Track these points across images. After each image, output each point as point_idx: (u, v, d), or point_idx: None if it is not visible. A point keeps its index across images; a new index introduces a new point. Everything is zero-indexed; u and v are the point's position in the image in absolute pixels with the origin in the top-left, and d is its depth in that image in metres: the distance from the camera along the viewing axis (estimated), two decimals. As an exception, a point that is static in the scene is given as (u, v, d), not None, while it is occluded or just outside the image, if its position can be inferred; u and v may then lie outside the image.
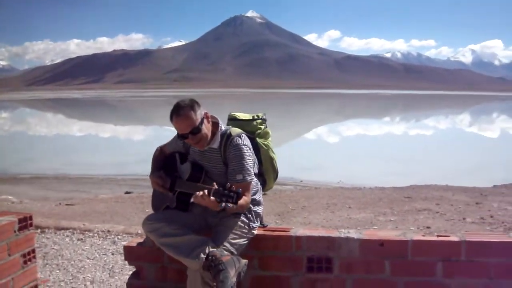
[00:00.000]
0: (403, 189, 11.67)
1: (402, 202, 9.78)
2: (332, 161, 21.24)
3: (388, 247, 2.92)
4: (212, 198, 2.60)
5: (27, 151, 24.87)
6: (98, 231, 5.82)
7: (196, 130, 2.91)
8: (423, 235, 2.97)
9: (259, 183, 3.20)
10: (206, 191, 2.64)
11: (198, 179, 2.97)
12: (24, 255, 3.59)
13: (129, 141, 28.19)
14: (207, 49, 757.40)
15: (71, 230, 5.88)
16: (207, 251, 2.75)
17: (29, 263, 3.64)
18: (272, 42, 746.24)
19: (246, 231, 2.98)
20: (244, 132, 3.11)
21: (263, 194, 3.37)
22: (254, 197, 3.09)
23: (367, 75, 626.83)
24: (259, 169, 3.22)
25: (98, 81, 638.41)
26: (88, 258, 4.85)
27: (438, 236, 2.95)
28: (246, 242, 2.99)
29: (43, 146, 28.15)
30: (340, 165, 19.90)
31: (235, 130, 3.07)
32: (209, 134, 3.01)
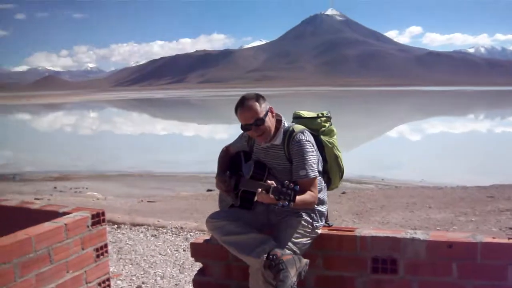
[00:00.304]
0: (486, 188, 11.22)
1: (484, 202, 9.38)
2: (414, 159, 20.83)
3: (456, 249, 2.83)
4: (271, 195, 2.63)
5: (114, 150, 26.14)
6: (171, 228, 6.01)
7: (260, 122, 2.95)
8: (494, 237, 2.84)
9: (323, 182, 3.18)
10: (265, 188, 2.67)
11: (261, 177, 2.99)
12: (96, 249, 3.78)
13: (212, 140, 28.55)
14: (287, 48, 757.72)
15: (145, 226, 6.12)
16: (268, 250, 2.77)
17: (101, 257, 3.83)
18: (352, 39, 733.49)
19: (310, 230, 2.98)
20: (307, 129, 3.11)
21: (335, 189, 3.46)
22: (318, 195, 3.06)
23: (450, 71, 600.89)
24: (324, 167, 3.21)
25: (181, 81, 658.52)
26: (160, 254, 5.03)
27: (509, 239, 2.82)
28: (310, 241, 3.00)
29: (129, 144, 29.46)
30: (422, 163, 19.49)
31: (298, 127, 3.08)
32: (273, 129, 3.05)
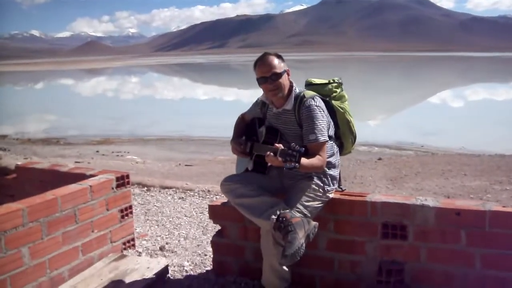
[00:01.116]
0: (525, 157, 10.93)
1: (521, 171, 9.19)
2: (455, 126, 20.40)
3: (464, 216, 2.83)
4: (279, 158, 2.69)
5: (154, 114, 26.52)
6: (199, 191, 6.15)
7: (276, 77, 3.02)
8: (504, 206, 2.83)
9: (335, 146, 3.21)
10: (272, 151, 2.74)
11: (273, 142, 3.03)
12: (121, 210, 3.96)
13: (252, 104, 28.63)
14: (328, 12, 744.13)
15: (174, 189, 6.27)
16: (278, 212, 2.86)
17: (126, 218, 4.02)
18: (395, 4, 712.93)
19: (321, 194, 3.03)
20: (318, 95, 3.14)
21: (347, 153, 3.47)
22: (330, 159, 3.11)
23: (494, 37, 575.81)
24: (336, 132, 3.25)
25: (222, 46, 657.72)
26: (185, 216, 5.18)
27: (520, 207, 2.80)
28: (321, 205, 3.06)
29: (170, 109, 29.83)
30: (463, 131, 19.13)
31: (309, 93, 3.12)
32: (286, 90, 3.10)
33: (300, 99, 3.07)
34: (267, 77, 3.02)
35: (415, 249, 2.98)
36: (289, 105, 3.10)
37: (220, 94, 40.09)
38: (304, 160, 2.75)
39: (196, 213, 5.24)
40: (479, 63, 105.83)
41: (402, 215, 2.97)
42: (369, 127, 21.06)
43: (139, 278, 3.39)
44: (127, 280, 3.37)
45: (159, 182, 6.54)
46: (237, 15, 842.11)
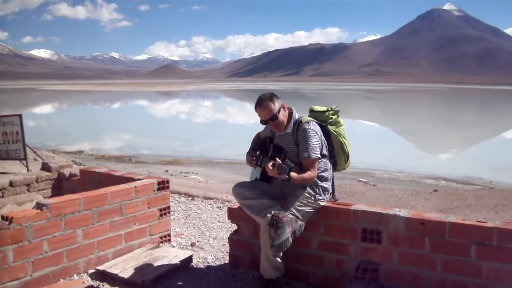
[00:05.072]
0: None
1: None
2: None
3: (428, 226, 3.38)
4: (275, 170, 3.44)
5: (225, 138, 27.19)
6: (235, 202, 6.90)
7: (274, 118, 3.77)
8: (463, 220, 3.35)
9: (328, 163, 3.89)
10: (270, 164, 3.48)
11: (277, 157, 3.71)
12: (160, 210, 4.79)
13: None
14: (402, 43, 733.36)
15: (215, 199, 7.10)
16: (273, 212, 3.58)
17: (164, 216, 4.84)
18: (470, 36, 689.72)
19: (312, 201, 3.71)
20: (314, 120, 3.85)
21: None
22: (323, 174, 3.80)
23: None
24: (331, 151, 3.92)
25: (295, 74, 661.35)
26: (219, 221, 5.95)
27: (477, 221, 3.30)
28: (312, 210, 3.73)
29: (241, 133, 30.42)
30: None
31: (306, 118, 3.84)
32: (285, 121, 3.84)
33: (298, 123, 3.79)
34: (268, 119, 3.79)
35: (388, 252, 3.55)
36: (289, 129, 3.85)
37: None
38: (294, 174, 3.51)
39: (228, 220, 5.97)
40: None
41: (378, 222, 3.57)
42: (439, 160, 21.15)
43: (166, 263, 4.18)
44: (156, 263, 4.17)
45: (203, 193, 7.37)
46: (310, 44, 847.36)
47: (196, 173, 15.58)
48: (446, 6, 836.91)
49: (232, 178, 14.90)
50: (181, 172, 15.95)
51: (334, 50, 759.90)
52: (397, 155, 21.53)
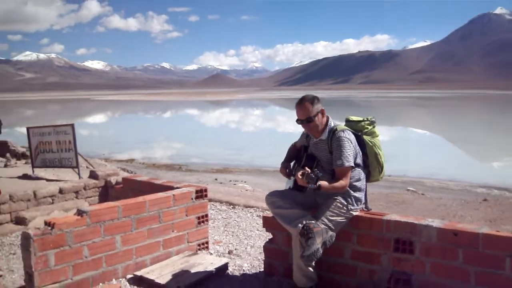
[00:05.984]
0: None
1: None
2: None
3: (461, 237, 3.32)
4: (304, 179, 3.47)
5: (274, 146, 27.29)
6: (271, 210, 6.98)
7: (309, 120, 3.80)
8: (498, 231, 3.28)
9: (362, 173, 3.88)
10: (300, 173, 3.51)
11: (310, 167, 3.77)
12: (198, 218, 4.90)
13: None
14: (453, 49, 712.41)
15: (255, 208, 7.18)
16: (304, 222, 3.60)
17: (202, 224, 4.95)
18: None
19: (344, 211, 3.71)
20: (349, 129, 3.85)
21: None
22: (356, 183, 3.79)
23: None
24: (365, 161, 3.92)
25: (344, 82, 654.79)
26: (257, 230, 6.01)
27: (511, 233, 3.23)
28: (344, 220, 3.73)
29: (290, 142, 30.47)
30: None
31: (341, 126, 3.85)
32: (321, 127, 3.85)
33: (333, 131, 3.81)
34: (303, 120, 3.82)
35: (420, 263, 3.50)
36: (324, 136, 3.86)
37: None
38: (324, 183, 3.52)
39: (267, 229, 6.03)
40: None
41: (410, 232, 3.54)
42: (491, 169, 20.51)
43: (201, 270, 4.27)
44: (193, 270, 4.28)
45: (244, 202, 7.47)
46: (359, 51, 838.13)
47: (245, 182, 15.70)
48: (498, 10, 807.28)
49: (278, 186, 14.55)
50: (230, 180, 16.11)
51: (383, 57, 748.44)
52: (448, 163, 21.06)
